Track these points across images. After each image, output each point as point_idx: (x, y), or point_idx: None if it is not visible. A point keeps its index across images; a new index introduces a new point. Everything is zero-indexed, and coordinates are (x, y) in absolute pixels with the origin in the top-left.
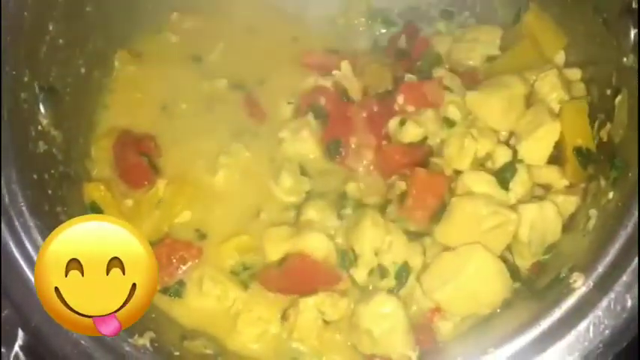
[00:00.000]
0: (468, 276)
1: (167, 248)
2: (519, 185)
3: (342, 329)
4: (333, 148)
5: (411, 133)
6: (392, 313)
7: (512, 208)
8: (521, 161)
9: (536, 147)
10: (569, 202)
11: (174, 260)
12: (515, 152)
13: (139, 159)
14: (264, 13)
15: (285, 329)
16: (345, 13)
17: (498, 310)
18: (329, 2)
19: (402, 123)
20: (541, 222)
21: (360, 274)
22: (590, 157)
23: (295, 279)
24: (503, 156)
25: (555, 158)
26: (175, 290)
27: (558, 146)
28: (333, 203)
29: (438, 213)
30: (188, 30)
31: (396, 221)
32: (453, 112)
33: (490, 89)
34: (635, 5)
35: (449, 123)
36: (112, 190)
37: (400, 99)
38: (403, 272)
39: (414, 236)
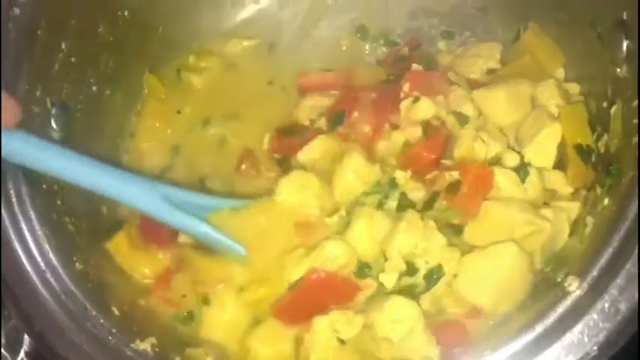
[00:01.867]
0: (505, 274)
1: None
2: (531, 188)
3: (358, 344)
4: (336, 118)
5: (424, 109)
6: (408, 316)
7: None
8: (529, 164)
9: (541, 150)
10: (573, 209)
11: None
12: (522, 157)
13: None
14: None
15: (301, 354)
16: (349, 35)
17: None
18: (334, 25)
19: (416, 100)
20: (555, 229)
21: (389, 278)
22: (591, 154)
23: (308, 300)
24: (512, 160)
25: (559, 164)
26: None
27: (560, 151)
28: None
29: None
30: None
31: (443, 213)
32: (467, 109)
33: (497, 86)
34: (625, 17)
35: (462, 119)
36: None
37: (406, 86)
38: (434, 275)
39: (455, 231)
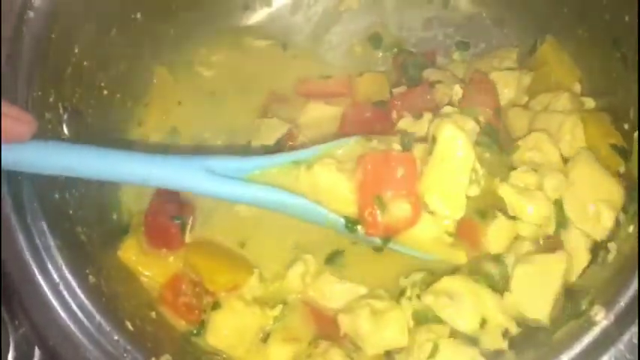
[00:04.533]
0: (558, 282)
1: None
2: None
3: None
4: None
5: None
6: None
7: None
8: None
9: None
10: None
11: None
12: None
13: (172, 223)
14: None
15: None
16: (362, 42)
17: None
18: (347, 31)
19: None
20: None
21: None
22: (627, 152)
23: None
24: None
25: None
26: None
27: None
28: None
29: None
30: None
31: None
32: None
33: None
34: None
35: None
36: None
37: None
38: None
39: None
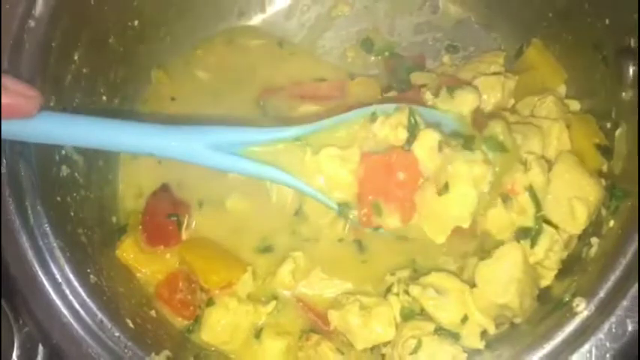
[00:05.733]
0: (520, 269)
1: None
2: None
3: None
4: None
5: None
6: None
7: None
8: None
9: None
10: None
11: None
12: None
13: (169, 220)
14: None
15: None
16: (354, 47)
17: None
18: (339, 36)
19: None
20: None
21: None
22: (611, 151)
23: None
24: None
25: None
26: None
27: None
28: None
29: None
30: (216, 65)
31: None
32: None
33: None
34: (634, 44)
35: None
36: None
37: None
38: None
39: None
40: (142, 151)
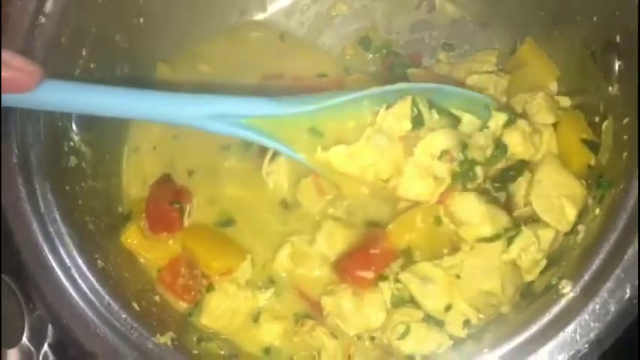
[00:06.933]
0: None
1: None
2: None
3: None
4: None
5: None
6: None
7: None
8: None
9: None
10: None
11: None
12: None
13: (171, 207)
14: None
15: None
16: (352, 45)
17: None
18: (338, 34)
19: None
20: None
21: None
22: (598, 147)
23: None
24: None
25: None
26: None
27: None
28: None
29: None
30: (220, 59)
31: None
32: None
33: None
34: (618, 39)
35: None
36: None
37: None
38: None
39: None
40: (144, 115)
